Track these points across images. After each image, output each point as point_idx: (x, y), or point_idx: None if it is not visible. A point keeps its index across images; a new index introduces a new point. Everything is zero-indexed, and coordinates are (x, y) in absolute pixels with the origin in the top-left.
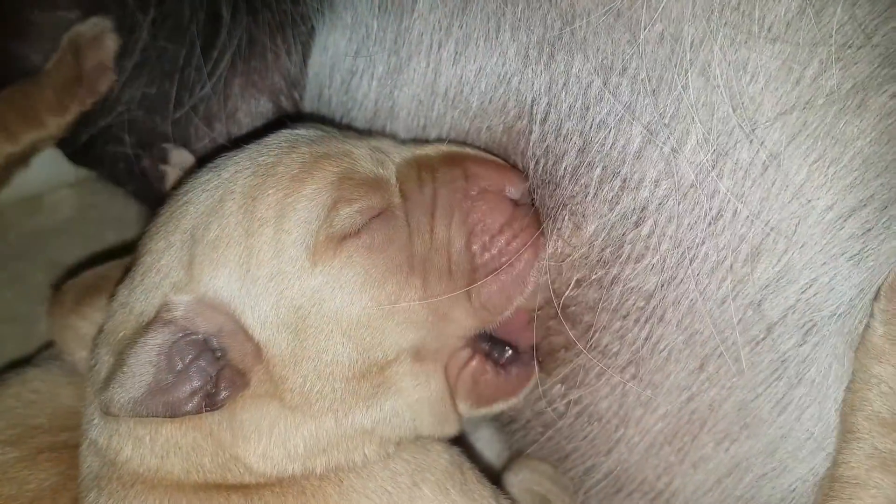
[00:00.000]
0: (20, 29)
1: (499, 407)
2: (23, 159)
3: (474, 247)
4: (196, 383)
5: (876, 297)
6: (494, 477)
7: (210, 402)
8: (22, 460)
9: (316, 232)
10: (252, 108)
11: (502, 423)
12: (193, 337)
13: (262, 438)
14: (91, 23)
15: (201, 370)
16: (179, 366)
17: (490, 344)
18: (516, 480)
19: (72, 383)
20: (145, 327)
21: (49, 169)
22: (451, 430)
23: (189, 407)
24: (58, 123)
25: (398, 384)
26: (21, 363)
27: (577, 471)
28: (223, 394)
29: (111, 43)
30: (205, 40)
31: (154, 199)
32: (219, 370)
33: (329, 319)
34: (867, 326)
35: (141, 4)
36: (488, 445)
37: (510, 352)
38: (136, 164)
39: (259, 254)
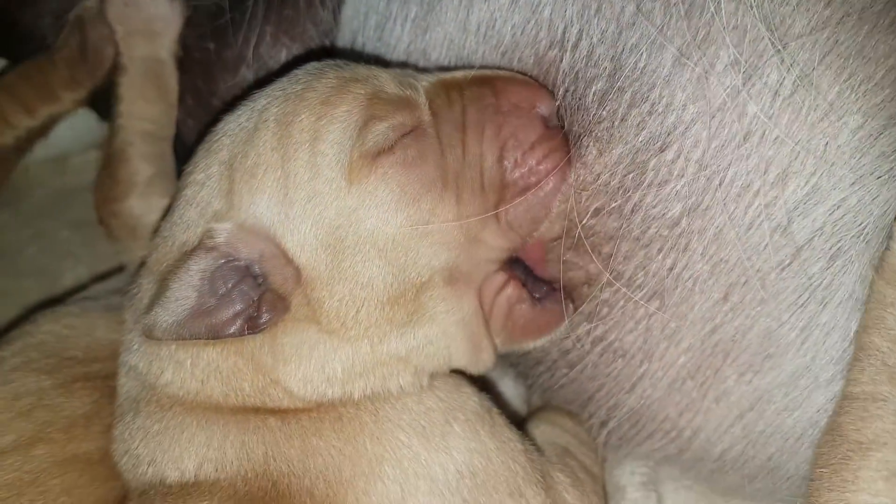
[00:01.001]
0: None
1: (532, 343)
2: (42, 131)
3: (506, 162)
4: (238, 306)
5: None
6: (517, 425)
7: (252, 325)
8: (57, 387)
9: (350, 151)
10: (283, 56)
11: (527, 365)
12: (235, 263)
13: (302, 362)
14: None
15: (244, 294)
16: (222, 290)
17: (525, 275)
18: (537, 433)
19: (106, 319)
20: (188, 254)
21: (77, 131)
22: (486, 359)
23: (232, 329)
24: (72, 98)
25: (432, 310)
26: (45, 307)
27: (600, 411)
28: (265, 317)
29: None
30: None
31: (180, 146)
32: (261, 294)
33: (365, 239)
34: (886, 248)
35: None
36: (508, 395)
37: (545, 287)
38: None
39: (296, 177)
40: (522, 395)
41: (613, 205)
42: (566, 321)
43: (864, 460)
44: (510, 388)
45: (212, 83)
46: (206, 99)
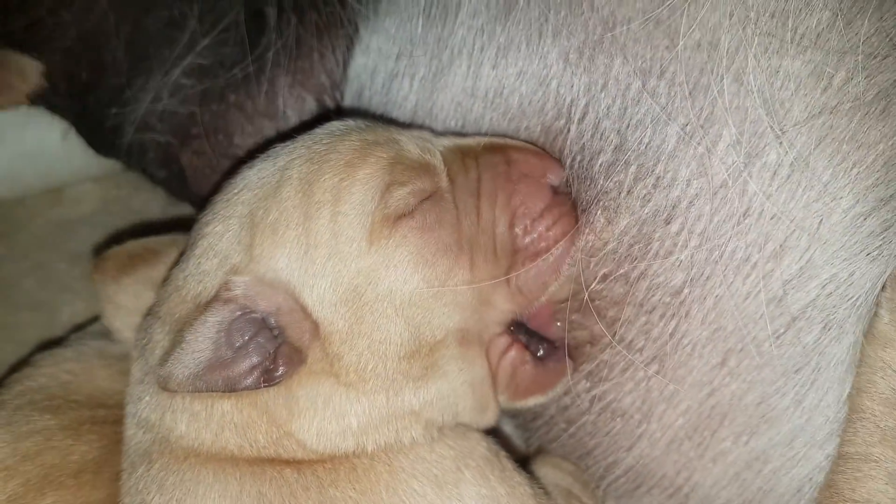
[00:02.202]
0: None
1: (534, 400)
2: None
3: (516, 229)
4: (255, 359)
5: (884, 288)
6: (523, 467)
7: (268, 378)
8: (64, 429)
9: (372, 213)
10: (298, 107)
11: (526, 419)
12: (252, 315)
13: (317, 414)
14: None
15: (260, 346)
16: (239, 342)
17: (527, 336)
18: (540, 475)
19: (106, 365)
20: (205, 306)
21: (73, 162)
22: (490, 417)
23: (248, 382)
24: None
25: (445, 367)
26: (44, 347)
27: (598, 467)
28: (281, 370)
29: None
30: (251, 38)
31: (183, 189)
32: (277, 347)
33: (383, 298)
34: (875, 315)
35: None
36: (510, 433)
37: (546, 345)
38: (168, 152)
39: (317, 235)
40: (520, 440)
41: (620, 272)
42: (567, 380)
43: None
44: (510, 432)
45: (230, 134)
46: (222, 145)
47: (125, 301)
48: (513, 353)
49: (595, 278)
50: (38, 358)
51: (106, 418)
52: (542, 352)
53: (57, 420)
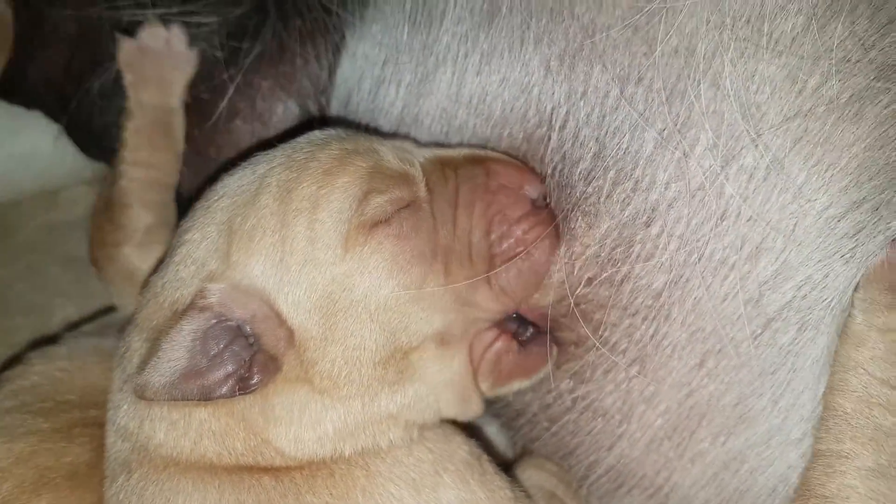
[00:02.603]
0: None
1: (517, 385)
2: None
3: (492, 235)
4: (230, 367)
5: (856, 289)
6: (505, 470)
7: (243, 386)
8: (57, 431)
9: (348, 220)
10: (279, 111)
11: (509, 417)
12: (228, 323)
13: (294, 422)
14: None
15: (235, 355)
16: (214, 350)
17: (517, 323)
18: (524, 477)
19: (100, 362)
20: (181, 314)
21: (66, 165)
22: (474, 409)
23: (223, 390)
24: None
25: (422, 370)
26: (35, 346)
27: (580, 466)
28: (256, 378)
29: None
30: (233, 43)
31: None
32: (252, 355)
33: (358, 304)
34: (849, 315)
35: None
36: (495, 441)
37: (532, 329)
38: None
39: (293, 242)
40: (508, 441)
41: (605, 275)
42: (550, 364)
43: None
44: (495, 435)
45: (208, 133)
46: (203, 148)
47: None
48: (499, 343)
49: (581, 282)
50: (31, 356)
51: (97, 419)
52: (528, 334)
53: (49, 423)
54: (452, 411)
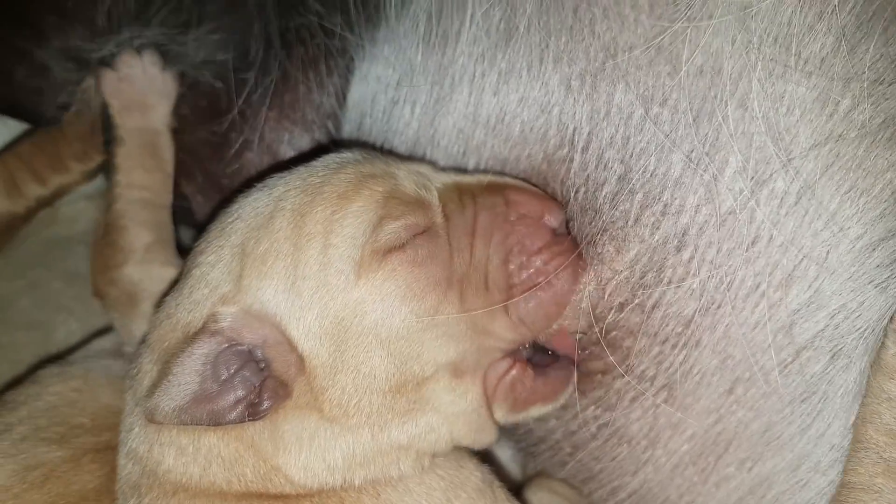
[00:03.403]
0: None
1: (535, 412)
2: (51, 201)
3: (511, 266)
4: (240, 393)
5: (891, 320)
6: (517, 494)
7: (253, 412)
8: (67, 461)
9: (362, 246)
10: (286, 139)
11: (529, 443)
12: (239, 348)
13: (303, 450)
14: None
15: (245, 380)
16: (224, 375)
17: (530, 350)
18: (535, 499)
19: (111, 384)
20: (192, 337)
21: None
22: (488, 438)
23: (233, 416)
24: (82, 170)
25: (434, 401)
26: (40, 366)
27: (602, 491)
28: (266, 404)
29: None
30: (238, 74)
31: (187, 215)
32: (262, 380)
33: (369, 331)
34: (882, 345)
35: (172, 34)
36: (508, 466)
37: (550, 355)
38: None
39: (306, 267)
40: (519, 461)
41: (636, 301)
42: (571, 390)
43: None
44: (507, 454)
45: (219, 163)
46: (216, 178)
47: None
48: (514, 372)
49: (612, 308)
50: (45, 375)
51: (109, 443)
52: (543, 363)
53: (62, 451)
54: (466, 441)
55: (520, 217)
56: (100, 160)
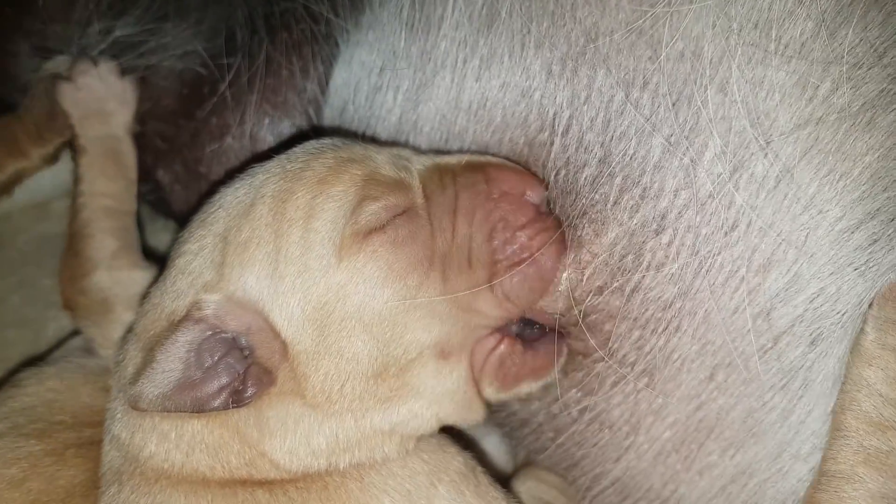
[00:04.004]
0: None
1: (526, 387)
2: (8, 187)
3: (495, 242)
4: (224, 380)
5: (870, 305)
6: (502, 483)
7: (237, 399)
8: (49, 454)
9: (342, 228)
10: (266, 125)
11: (513, 427)
12: (223, 335)
13: (287, 435)
14: (58, 61)
15: (229, 367)
16: (208, 362)
17: (521, 324)
18: (523, 489)
19: (89, 382)
20: (176, 325)
21: (58, 177)
22: (476, 416)
23: (216, 403)
24: (40, 154)
25: (418, 386)
26: (28, 364)
27: (585, 478)
28: (250, 391)
29: None
30: (222, 59)
31: (164, 204)
32: (246, 367)
33: (352, 314)
34: (861, 331)
35: (154, 20)
36: (495, 452)
37: (538, 328)
38: (148, 171)
39: (287, 252)
40: (509, 452)
41: (615, 284)
42: (559, 365)
43: None
44: (496, 446)
45: (197, 150)
46: (193, 166)
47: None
48: (502, 347)
49: (591, 291)
50: (22, 377)
51: (92, 439)
52: (532, 336)
53: (42, 445)
54: (453, 419)
55: (501, 194)
56: (58, 143)
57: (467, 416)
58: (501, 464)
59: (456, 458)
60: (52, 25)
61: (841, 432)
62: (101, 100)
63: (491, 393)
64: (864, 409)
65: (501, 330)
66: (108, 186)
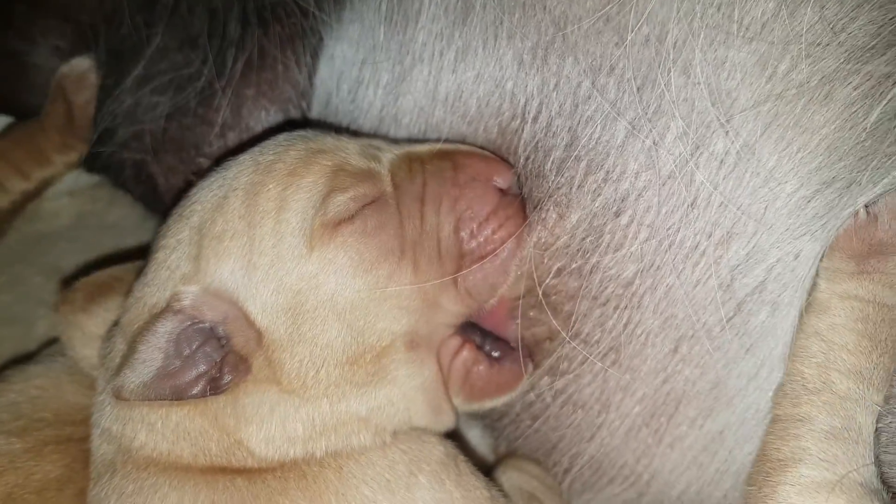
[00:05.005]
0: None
1: (492, 402)
2: (36, 194)
3: (462, 233)
4: (202, 368)
5: (822, 258)
6: (484, 473)
7: (214, 387)
8: (28, 451)
9: (312, 219)
10: (263, 117)
11: (493, 419)
12: (200, 325)
13: (264, 422)
14: (73, 64)
15: (207, 356)
16: (187, 351)
17: (481, 337)
18: (504, 479)
19: (74, 381)
20: (155, 316)
21: None
22: (446, 421)
23: (195, 391)
24: (64, 161)
25: (393, 373)
26: (18, 362)
27: (563, 459)
28: (226, 378)
29: (92, 81)
30: (216, 52)
31: (159, 203)
32: (223, 356)
33: (325, 303)
34: (813, 285)
35: (149, 18)
36: (476, 443)
37: (501, 345)
38: (142, 169)
39: (260, 243)
40: (490, 444)
41: (574, 266)
42: (526, 380)
43: (781, 475)
44: (477, 436)
45: (195, 143)
46: (192, 158)
47: (94, 329)
48: (465, 353)
49: (549, 273)
50: (8, 374)
51: (71, 436)
52: (497, 353)
53: (22, 443)
54: (423, 421)
55: (468, 180)
56: (82, 150)
57: (437, 419)
58: (482, 453)
59: (437, 448)
60: (66, 25)
61: (790, 377)
62: None
63: (458, 403)
64: (812, 354)
65: (462, 335)
66: None
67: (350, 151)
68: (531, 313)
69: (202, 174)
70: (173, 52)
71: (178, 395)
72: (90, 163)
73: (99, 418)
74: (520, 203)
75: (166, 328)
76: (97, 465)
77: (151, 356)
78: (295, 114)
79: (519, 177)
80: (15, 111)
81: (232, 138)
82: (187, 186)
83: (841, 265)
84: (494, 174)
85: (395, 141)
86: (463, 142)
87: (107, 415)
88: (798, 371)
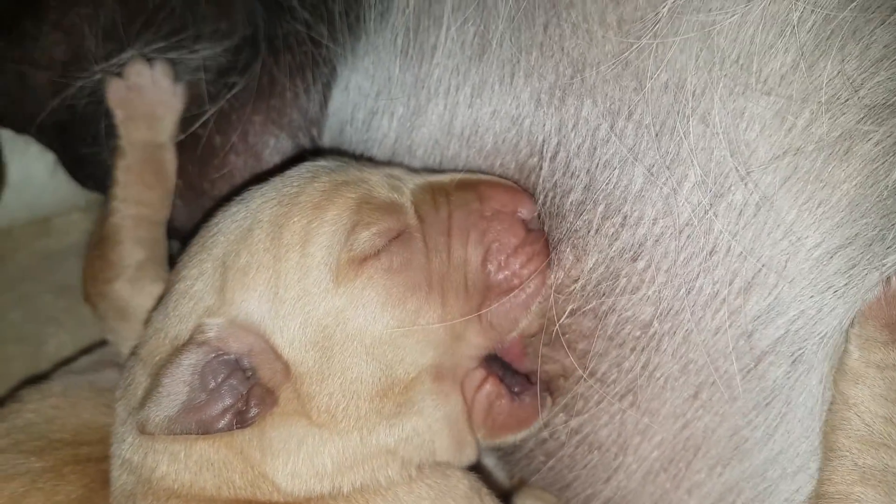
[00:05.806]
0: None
1: (513, 437)
2: None
3: (489, 265)
4: (228, 401)
5: (852, 324)
6: (502, 499)
7: (241, 420)
8: (48, 471)
9: (338, 254)
10: (271, 144)
11: (506, 452)
12: (225, 357)
13: (291, 456)
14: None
15: (233, 388)
16: (212, 384)
17: (502, 370)
18: None
19: (90, 399)
20: (180, 348)
21: (60, 192)
22: (469, 454)
23: (221, 424)
24: None
25: (419, 404)
26: (29, 383)
27: (577, 499)
28: (253, 411)
29: None
30: (225, 78)
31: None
32: (249, 388)
33: (353, 338)
34: (844, 351)
35: (160, 38)
36: (493, 469)
37: (521, 380)
38: None
39: (286, 277)
40: (504, 469)
41: (588, 307)
42: (543, 416)
43: None
44: (492, 463)
45: (202, 167)
46: (197, 182)
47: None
48: (488, 386)
49: (564, 313)
50: (24, 393)
51: (89, 456)
52: (517, 387)
53: (42, 462)
54: (447, 455)
55: (494, 212)
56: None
57: (461, 452)
58: (499, 477)
59: (462, 482)
60: (68, 45)
61: (834, 452)
62: (150, 103)
63: (479, 439)
64: (855, 428)
65: (486, 368)
66: (144, 194)
67: (374, 183)
68: (545, 350)
69: (213, 199)
70: (182, 75)
71: (205, 429)
72: (93, 178)
73: (119, 448)
74: (544, 238)
75: (191, 360)
76: (117, 496)
77: (176, 389)
78: (304, 141)
79: (539, 213)
80: (14, 125)
81: (238, 164)
82: (192, 209)
83: (874, 334)
84: (520, 206)
85: (414, 169)
86: (482, 171)
87: (127, 445)
88: (844, 446)
